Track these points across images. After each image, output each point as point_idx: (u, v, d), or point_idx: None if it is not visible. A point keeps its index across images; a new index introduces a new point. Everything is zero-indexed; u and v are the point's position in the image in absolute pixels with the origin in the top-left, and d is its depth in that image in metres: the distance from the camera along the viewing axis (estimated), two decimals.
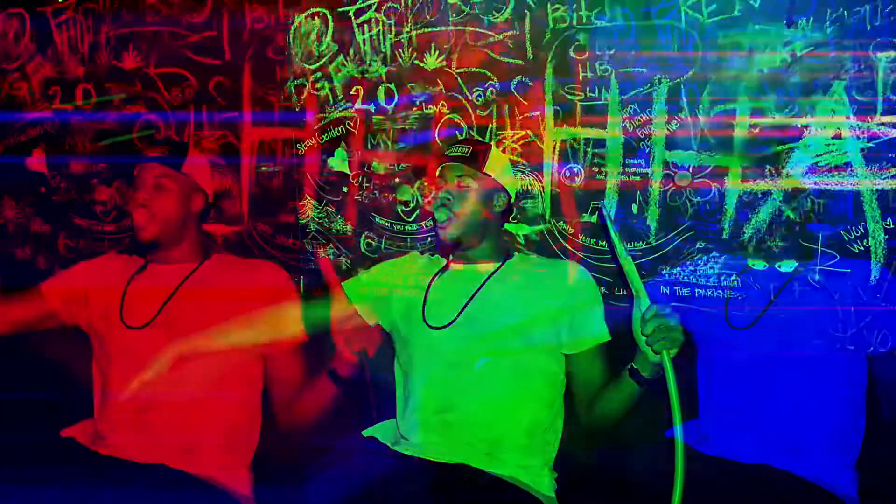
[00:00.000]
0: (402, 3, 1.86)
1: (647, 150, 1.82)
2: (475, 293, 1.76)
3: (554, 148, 1.91)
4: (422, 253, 2.03)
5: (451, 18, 1.90)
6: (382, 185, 2.04)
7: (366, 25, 1.90)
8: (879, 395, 1.69)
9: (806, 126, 1.70)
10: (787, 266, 1.71)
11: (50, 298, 1.91)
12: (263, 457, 1.87)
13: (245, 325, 1.78)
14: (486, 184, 1.79)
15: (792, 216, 1.76)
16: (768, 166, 1.75)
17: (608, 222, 1.35)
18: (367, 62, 1.89)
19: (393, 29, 1.87)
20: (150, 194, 1.78)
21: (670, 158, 1.81)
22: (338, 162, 1.99)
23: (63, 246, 2.16)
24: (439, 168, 1.83)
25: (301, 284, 2.00)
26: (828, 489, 1.58)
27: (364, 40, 1.86)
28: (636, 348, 1.45)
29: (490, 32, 1.89)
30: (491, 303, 1.75)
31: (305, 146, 1.99)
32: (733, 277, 1.74)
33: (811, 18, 1.64)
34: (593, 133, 1.86)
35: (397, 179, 2.07)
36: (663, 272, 1.89)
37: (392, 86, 1.94)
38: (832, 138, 1.69)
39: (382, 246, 2.15)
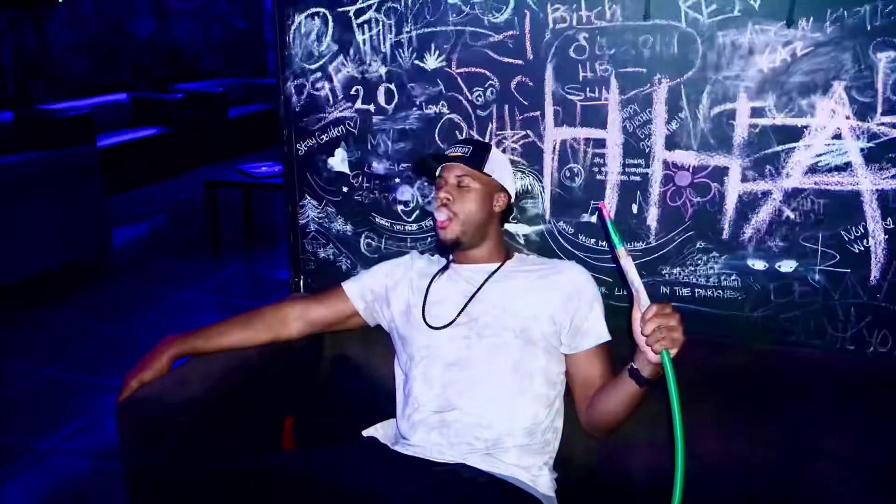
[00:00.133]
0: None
1: (647, 150, 1.82)
2: (475, 293, 1.77)
3: (554, 148, 1.91)
4: (422, 253, 2.03)
5: (451, 18, 1.91)
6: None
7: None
8: None
9: (806, 126, 1.71)
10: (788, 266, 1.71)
11: (352, 298, 1.92)
12: None
13: None
14: (486, 184, 1.79)
15: (792, 216, 1.76)
16: (768, 166, 1.75)
17: (608, 222, 1.35)
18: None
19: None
20: (452, 194, 1.78)
21: (670, 158, 1.81)
22: None
23: (365, 245, 2.16)
24: (439, 168, 1.83)
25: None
26: None
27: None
28: (636, 348, 1.44)
29: (490, 32, 1.89)
30: (491, 303, 1.75)
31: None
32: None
33: (811, 18, 1.64)
34: (593, 133, 1.86)
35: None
36: (663, 272, 1.89)
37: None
38: (832, 138, 1.69)
39: (382, 246, 2.15)
